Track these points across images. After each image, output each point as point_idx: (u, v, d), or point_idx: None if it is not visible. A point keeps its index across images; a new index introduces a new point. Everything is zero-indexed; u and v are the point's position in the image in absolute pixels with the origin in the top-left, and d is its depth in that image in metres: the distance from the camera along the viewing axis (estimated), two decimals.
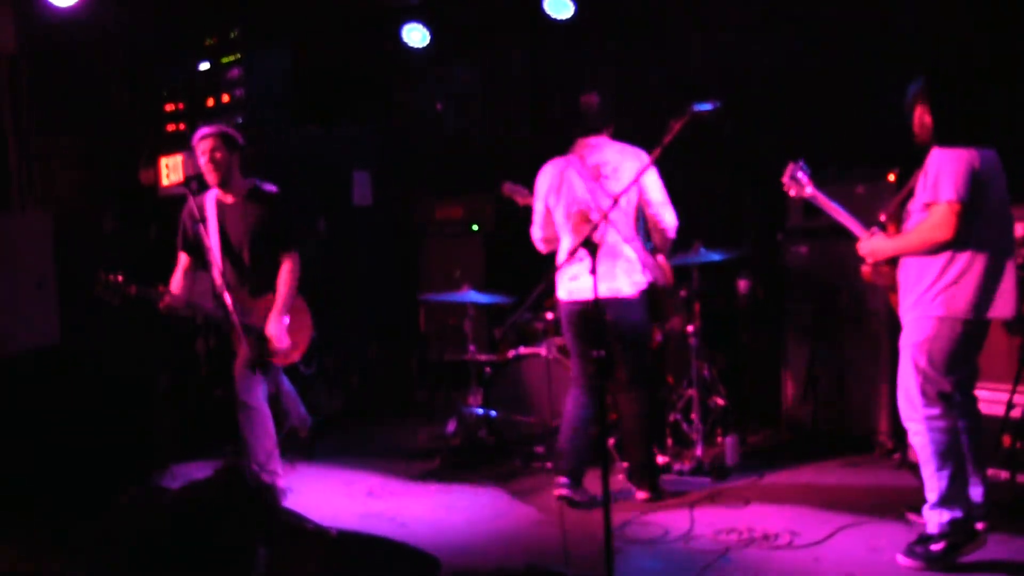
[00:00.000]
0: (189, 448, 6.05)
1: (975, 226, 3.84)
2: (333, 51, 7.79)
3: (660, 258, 5.09)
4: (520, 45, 7.61)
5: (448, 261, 7.40)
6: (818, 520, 4.57)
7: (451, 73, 8.06)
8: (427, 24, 7.42)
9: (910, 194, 4.10)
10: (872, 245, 4.15)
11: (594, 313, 4.17)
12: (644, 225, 5.04)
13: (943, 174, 3.83)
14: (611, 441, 5.49)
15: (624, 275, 4.88)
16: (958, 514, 3.94)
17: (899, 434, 5.42)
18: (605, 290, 4.75)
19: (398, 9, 7.38)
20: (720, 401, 5.95)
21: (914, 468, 5.09)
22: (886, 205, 4.30)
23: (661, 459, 5.52)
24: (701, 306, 5.82)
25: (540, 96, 7.71)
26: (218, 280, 4.91)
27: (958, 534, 3.93)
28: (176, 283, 5.17)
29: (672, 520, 4.69)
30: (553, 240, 5.14)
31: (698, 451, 5.57)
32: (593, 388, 4.93)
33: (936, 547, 3.93)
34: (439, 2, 7.22)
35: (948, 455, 3.96)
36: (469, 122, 8.03)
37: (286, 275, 5.14)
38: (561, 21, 6.82)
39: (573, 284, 4.95)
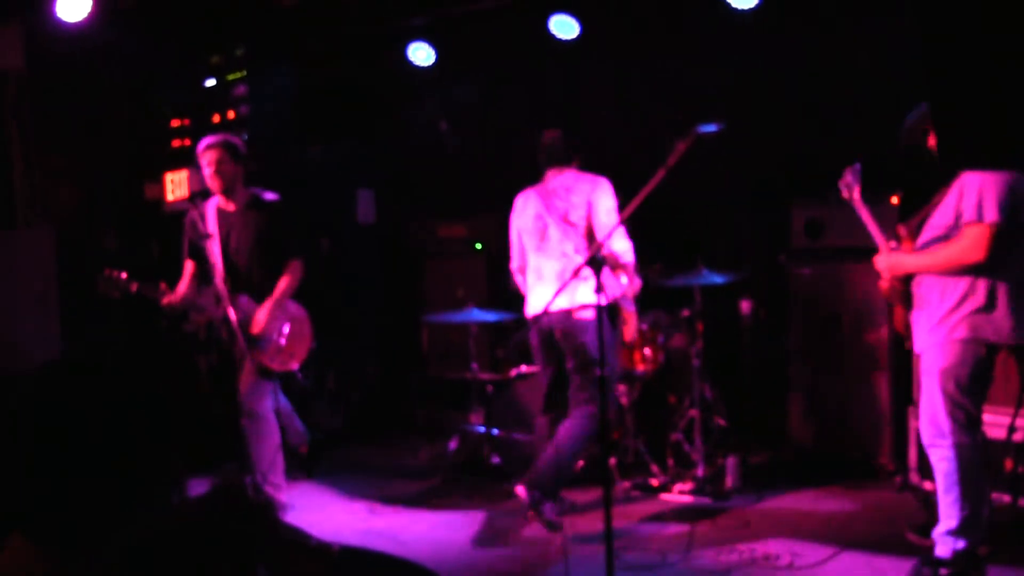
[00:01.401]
0: (189, 465, 6.05)
1: (1007, 248, 3.82)
2: (338, 70, 7.83)
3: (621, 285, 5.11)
4: (523, 65, 7.64)
5: (451, 280, 7.41)
6: (819, 542, 4.56)
7: (455, 92, 8.09)
8: (432, 43, 7.46)
9: (927, 212, 4.10)
10: (891, 260, 4.11)
11: (554, 331, 4.34)
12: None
13: (987, 194, 3.79)
14: (612, 461, 5.49)
15: (582, 289, 4.87)
16: (972, 542, 3.91)
17: (900, 456, 5.42)
18: (566, 303, 4.88)
19: (403, 28, 7.42)
20: (721, 422, 5.94)
21: (915, 490, 5.10)
22: (908, 220, 4.27)
23: (661, 479, 5.53)
24: (704, 327, 5.82)
25: (543, 116, 7.73)
26: (221, 287, 4.90)
27: (968, 562, 3.91)
28: (181, 288, 5.19)
29: (673, 541, 4.69)
30: (524, 270, 5.28)
31: (699, 471, 5.56)
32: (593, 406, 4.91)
33: (945, 572, 3.91)
34: (444, 22, 7.25)
35: (973, 482, 3.92)
36: (473, 141, 8.05)
37: (287, 276, 5.16)
38: (566, 41, 6.87)
39: (532, 301, 5.13)
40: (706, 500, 5.31)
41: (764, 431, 6.41)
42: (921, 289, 4.05)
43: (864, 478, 5.59)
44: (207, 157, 5.07)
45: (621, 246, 4.94)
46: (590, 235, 4.98)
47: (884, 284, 4.26)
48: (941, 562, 3.93)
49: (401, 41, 7.50)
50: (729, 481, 5.56)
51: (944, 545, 3.94)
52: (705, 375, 5.83)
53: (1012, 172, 3.87)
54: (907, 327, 4.18)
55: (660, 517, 5.11)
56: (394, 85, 8.12)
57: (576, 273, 4.27)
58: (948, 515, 3.94)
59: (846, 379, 5.89)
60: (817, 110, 6.22)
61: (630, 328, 5.36)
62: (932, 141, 4.06)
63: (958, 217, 3.88)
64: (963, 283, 3.89)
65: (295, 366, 5.24)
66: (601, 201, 4.96)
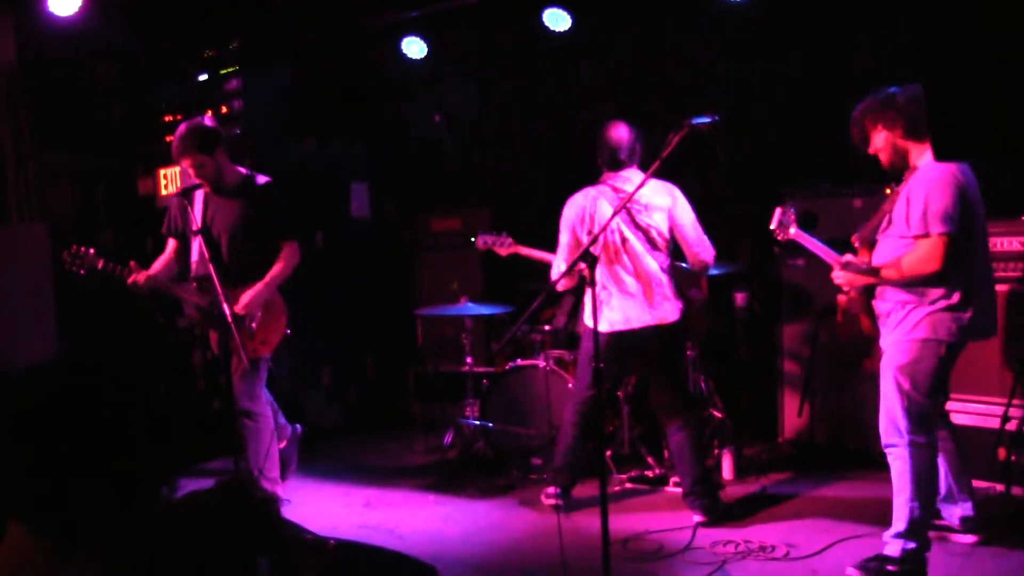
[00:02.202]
0: (187, 460, 6.06)
1: (962, 248, 3.83)
2: (332, 64, 7.82)
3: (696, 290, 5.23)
4: (517, 59, 7.64)
5: (446, 273, 7.42)
6: (814, 533, 4.58)
7: (449, 86, 8.09)
8: (425, 37, 7.45)
9: (880, 219, 4.09)
10: (848, 276, 4.07)
11: (639, 344, 4.50)
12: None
13: (932, 204, 3.78)
14: (608, 453, 5.51)
15: (666, 302, 4.85)
16: (921, 544, 3.93)
17: None
18: (652, 319, 4.80)
19: (397, 22, 7.41)
20: (717, 414, 5.95)
21: None
22: (860, 228, 4.26)
23: (656, 471, 5.54)
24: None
25: (537, 110, 7.74)
26: (215, 279, 4.76)
27: (915, 563, 3.92)
28: (156, 265, 5.06)
29: (669, 532, 4.70)
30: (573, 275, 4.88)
31: None
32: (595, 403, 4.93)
33: (892, 569, 3.92)
34: (437, 15, 7.24)
35: (925, 483, 3.94)
36: (466, 135, 8.05)
37: (281, 260, 5.02)
38: (559, 33, 6.87)
39: (614, 315, 4.84)
40: None
41: (759, 423, 6.43)
42: (884, 294, 4.03)
43: (859, 468, 5.61)
44: (182, 163, 5.01)
45: (710, 256, 4.95)
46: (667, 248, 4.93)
47: (843, 298, 4.25)
48: (889, 559, 3.94)
49: (395, 35, 7.49)
50: (725, 473, 5.58)
51: (893, 546, 3.94)
52: (700, 367, 5.85)
53: (958, 165, 3.86)
54: (876, 329, 4.16)
55: (656, 509, 5.13)
56: (388, 79, 8.12)
57: (570, 268, 4.26)
58: (899, 516, 3.95)
59: (841, 370, 5.90)
60: (811, 102, 6.22)
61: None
62: (884, 141, 4.01)
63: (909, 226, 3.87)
64: (923, 282, 3.89)
65: (265, 353, 5.03)
66: (684, 214, 4.89)
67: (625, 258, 4.83)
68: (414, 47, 7.51)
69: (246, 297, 4.90)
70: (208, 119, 5.18)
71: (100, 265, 4.80)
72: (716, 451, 5.84)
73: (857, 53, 6.15)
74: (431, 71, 7.81)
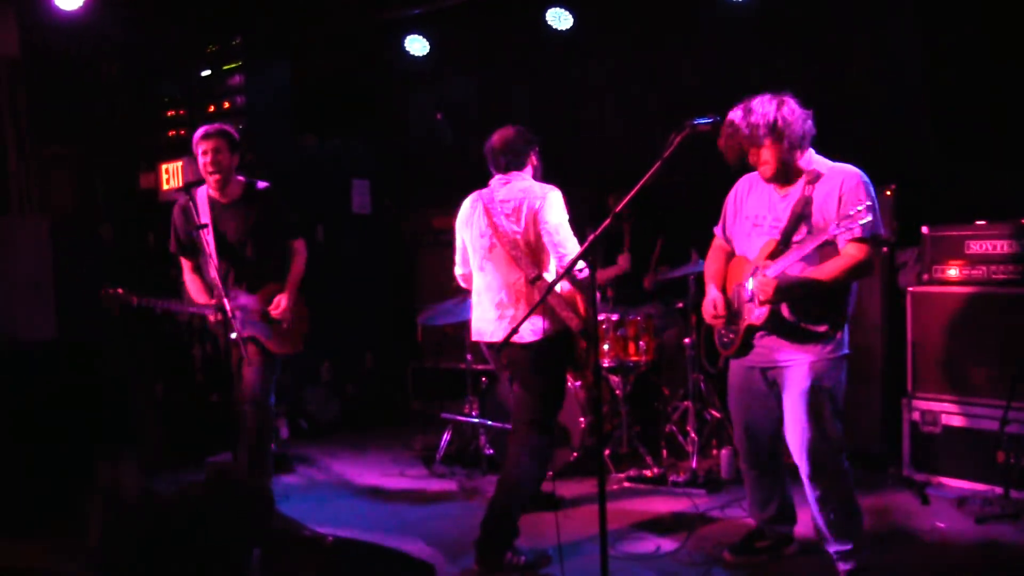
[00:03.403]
0: (184, 453, 6.07)
1: None
2: (334, 61, 7.82)
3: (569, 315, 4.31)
4: (519, 57, 7.64)
5: (445, 270, 7.40)
6: (810, 533, 4.57)
7: (450, 83, 8.09)
8: (427, 35, 7.46)
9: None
10: (762, 281, 3.70)
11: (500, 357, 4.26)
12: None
13: (873, 206, 3.61)
14: (606, 452, 5.51)
15: (524, 325, 4.07)
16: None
17: (894, 448, 5.44)
18: (505, 333, 4.15)
19: (399, 19, 7.41)
20: (716, 413, 5.96)
21: (911, 484, 5.13)
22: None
23: (654, 471, 5.54)
24: (697, 318, 5.83)
25: (538, 108, 7.74)
26: (215, 279, 4.84)
27: None
28: (188, 283, 5.17)
29: (666, 532, 4.70)
30: (469, 277, 4.67)
31: (693, 463, 5.59)
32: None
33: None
34: (440, 13, 7.24)
35: (855, 500, 3.92)
36: (468, 131, 8.05)
37: (297, 258, 5.17)
38: (561, 32, 6.87)
39: (477, 325, 4.52)
40: (700, 491, 5.32)
41: None
42: (789, 308, 3.80)
43: (856, 470, 5.59)
44: (204, 146, 5.01)
45: (568, 250, 4.28)
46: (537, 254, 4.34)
47: (715, 320, 4.05)
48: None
49: (397, 32, 7.49)
50: (723, 472, 5.58)
51: (845, 564, 3.92)
52: (699, 366, 5.85)
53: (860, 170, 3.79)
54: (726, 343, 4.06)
55: (654, 508, 5.12)
56: (390, 76, 8.12)
57: (568, 269, 3.77)
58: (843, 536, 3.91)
59: None
60: (810, 101, 6.21)
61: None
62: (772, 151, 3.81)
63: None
64: (841, 297, 3.80)
65: (293, 351, 5.14)
66: (551, 215, 4.30)
67: (488, 265, 4.48)
68: (416, 44, 7.52)
69: (284, 302, 5.01)
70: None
71: (135, 302, 4.88)
72: (714, 451, 5.84)
73: (858, 54, 6.15)
74: (433, 68, 7.81)
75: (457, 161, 8.06)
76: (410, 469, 6.13)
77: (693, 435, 5.65)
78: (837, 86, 6.17)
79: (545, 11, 6.84)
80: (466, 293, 6.17)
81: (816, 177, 3.79)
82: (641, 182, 4.30)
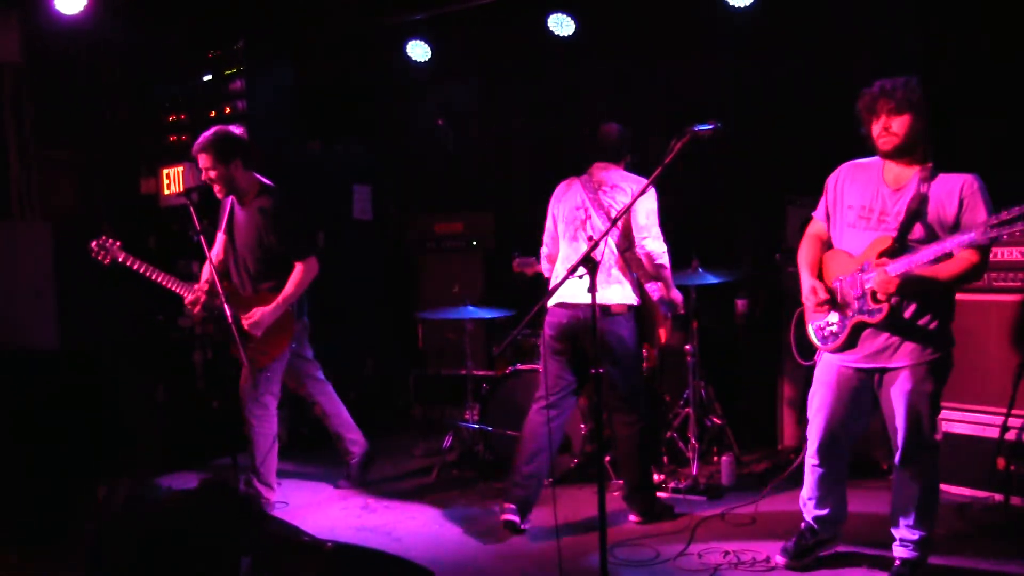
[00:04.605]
0: (184, 458, 6.07)
1: None
2: (336, 66, 7.83)
3: (658, 285, 4.90)
4: (521, 63, 7.65)
5: (447, 276, 7.42)
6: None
7: (452, 89, 8.10)
8: (430, 40, 7.47)
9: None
10: (883, 278, 3.69)
11: (584, 325, 4.20)
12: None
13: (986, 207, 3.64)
14: (607, 458, 5.50)
15: (614, 289, 4.81)
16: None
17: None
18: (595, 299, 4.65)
19: (401, 24, 7.42)
20: (717, 420, 5.95)
21: None
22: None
23: (656, 477, 5.53)
24: (699, 325, 5.83)
25: (540, 114, 7.75)
26: (216, 280, 4.82)
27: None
28: (216, 252, 5.26)
29: (665, 540, 4.70)
30: (554, 258, 5.09)
31: (694, 470, 5.58)
32: (592, 406, 4.93)
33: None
34: (442, 18, 7.25)
35: None
36: (469, 138, 8.06)
37: (293, 279, 5.11)
38: (563, 37, 6.89)
39: (565, 290, 4.71)
40: (700, 498, 5.32)
41: (759, 430, 6.42)
42: (909, 310, 3.82)
43: (857, 476, 5.59)
44: (198, 161, 5.08)
45: (656, 247, 4.80)
46: (627, 235, 4.83)
47: (819, 308, 4.07)
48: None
49: (399, 37, 7.50)
50: (724, 479, 5.57)
51: (906, 551, 4.00)
52: (700, 373, 5.84)
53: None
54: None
55: None
56: (391, 81, 8.12)
57: (572, 271, 4.07)
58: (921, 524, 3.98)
59: None
60: (813, 109, 6.22)
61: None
62: (907, 124, 3.82)
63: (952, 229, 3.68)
64: (950, 298, 3.84)
65: (265, 363, 5.10)
66: (643, 204, 4.77)
67: (584, 235, 4.89)
68: (418, 50, 7.53)
69: (257, 315, 4.99)
70: (236, 128, 5.24)
71: (121, 259, 4.98)
72: (715, 457, 5.83)
73: (861, 59, 6.15)
74: (435, 74, 7.82)
75: (459, 167, 8.08)
76: (410, 475, 6.12)
77: (694, 442, 5.64)
78: (837, 90, 6.16)
79: (547, 17, 6.85)
80: (466, 299, 6.18)
81: (931, 175, 3.78)
82: (643, 188, 4.31)
